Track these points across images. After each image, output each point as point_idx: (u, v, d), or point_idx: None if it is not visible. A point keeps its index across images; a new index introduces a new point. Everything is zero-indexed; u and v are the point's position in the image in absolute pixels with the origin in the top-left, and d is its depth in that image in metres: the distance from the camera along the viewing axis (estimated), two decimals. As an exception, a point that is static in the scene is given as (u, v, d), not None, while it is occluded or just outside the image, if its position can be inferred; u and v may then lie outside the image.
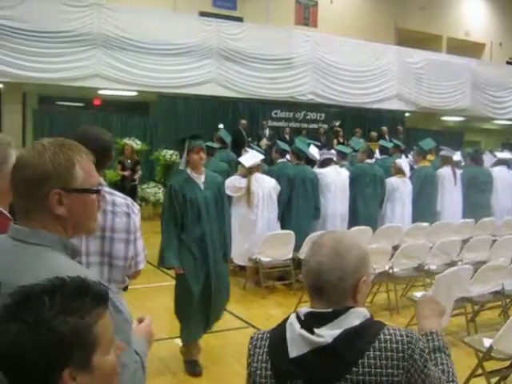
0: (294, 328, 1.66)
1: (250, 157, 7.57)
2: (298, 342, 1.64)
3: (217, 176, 5.18)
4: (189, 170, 4.89)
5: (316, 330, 1.62)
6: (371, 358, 1.59)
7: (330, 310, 1.65)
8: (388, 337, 1.61)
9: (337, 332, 1.61)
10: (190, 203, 4.80)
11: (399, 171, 8.61)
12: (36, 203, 1.57)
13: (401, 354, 1.58)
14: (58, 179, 1.56)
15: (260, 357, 1.73)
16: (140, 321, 1.96)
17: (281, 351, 1.67)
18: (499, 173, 9.74)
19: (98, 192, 1.68)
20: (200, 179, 4.88)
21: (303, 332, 1.63)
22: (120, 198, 2.74)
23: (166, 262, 4.89)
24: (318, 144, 11.74)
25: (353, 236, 1.81)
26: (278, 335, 1.71)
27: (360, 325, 1.63)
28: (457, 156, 10.06)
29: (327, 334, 1.61)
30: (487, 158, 10.56)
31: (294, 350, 1.64)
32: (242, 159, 7.50)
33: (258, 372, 1.72)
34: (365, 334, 1.62)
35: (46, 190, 1.56)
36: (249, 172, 7.39)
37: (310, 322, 1.65)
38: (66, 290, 1.15)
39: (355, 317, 1.64)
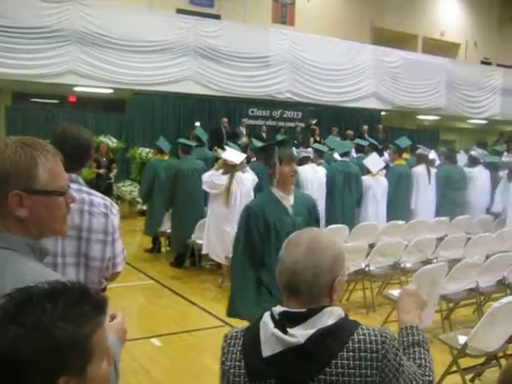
0: (268, 327, 1.65)
1: (235, 154, 7.51)
2: (271, 342, 1.62)
3: (309, 197, 4.12)
4: (274, 188, 3.76)
5: (289, 330, 1.61)
6: (344, 359, 1.57)
7: (303, 309, 1.64)
8: (362, 337, 1.60)
9: (310, 332, 1.59)
10: (274, 232, 3.67)
11: (367, 170, 8.68)
12: None
13: (375, 355, 1.57)
14: (18, 180, 1.50)
15: (234, 355, 1.71)
16: (112, 317, 1.90)
17: (254, 350, 1.65)
18: (476, 172, 9.85)
19: (62, 194, 1.60)
20: (289, 201, 3.77)
21: (276, 331, 1.62)
22: (98, 198, 2.68)
23: (241, 313, 3.77)
24: (295, 142, 11.77)
25: (328, 234, 1.80)
26: (252, 334, 1.69)
27: (334, 324, 1.61)
28: (432, 155, 10.14)
29: (300, 333, 1.59)
30: (461, 157, 10.68)
31: (268, 350, 1.62)
32: (228, 157, 7.40)
33: (232, 371, 1.70)
34: (338, 334, 1.61)
35: (6, 191, 1.49)
36: (233, 168, 7.32)
37: (284, 321, 1.64)
38: (67, 296, 1.13)
39: (329, 316, 1.63)
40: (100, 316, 1.17)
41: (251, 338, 1.69)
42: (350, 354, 1.58)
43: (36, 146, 1.55)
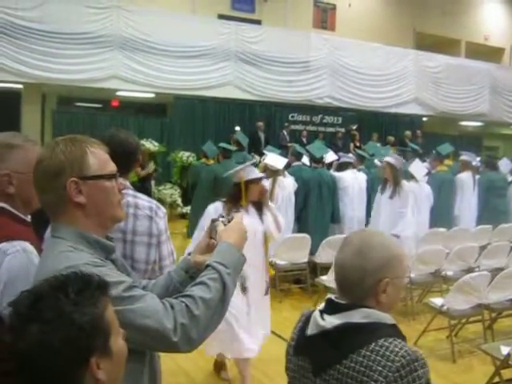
0: (316, 311, 1.79)
1: (277, 159, 7.53)
2: (313, 323, 1.76)
3: None
4: None
5: (325, 316, 1.73)
6: (361, 356, 1.62)
7: (344, 302, 1.73)
8: (387, 344, 1.62)
9: (338, 322, 1.69)
10: None
11: (411, 176, 8.56)
12: (57, 195, 1.63)
13: (389, 363, 1.57)
14: (73, 169, 1.63)
15: (296, 329, 1.89)
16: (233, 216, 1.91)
17: (304, 328, 1.81)
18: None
19: (112, 177, 1.71)
20: None
21: (316, 314, 1.76)
22: (143, 201, 2.72)
23: None
24: (335, 148, 11.73)
25: (385, 237, 1.81)
26: (310, 314, 1.83)
27: (363, 323, 1.67)
28: (476, 161, 9.97)
29: (330, 321, 1.70)
30: (504, 164, 10.47)
31: (310, 329, 1.77)
32: (270, 162, 7.42)
33: (289, 341, 1.90)
34: (365, 333, 1.66)
35: (64, 181, 1.62)
36: (275, 173, 7.34)
37: (327, 307, 1.77)
38: (74, 284, 1.18)
39: (363, 316, 1.68)
40: (106, 295, 1.23)
41: (308, 317, 1.83)
42: (368, 353, 1.61)
43: (83, 139, 1.71)
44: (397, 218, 6.92)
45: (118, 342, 1.24)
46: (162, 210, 2.79)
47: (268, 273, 4.60)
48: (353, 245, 1.75)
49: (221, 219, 1.89)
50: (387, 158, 7.31)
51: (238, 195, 4.40)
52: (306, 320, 1.82)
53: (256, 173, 4.55)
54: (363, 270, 1.70)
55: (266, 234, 4.47)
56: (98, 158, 1.68)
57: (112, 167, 1.72)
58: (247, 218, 4.10)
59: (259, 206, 4.49)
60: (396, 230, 6.62)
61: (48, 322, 1.11)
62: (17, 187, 2.06)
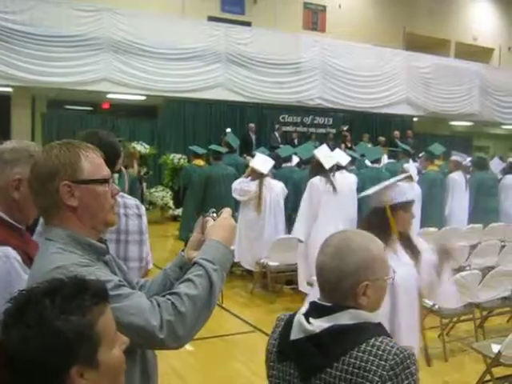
0: (299, 314, 1.74)
1: (263, 161, 7.53)
2: (297, 327, 1.72)
3: None
4: None
5: (311, 320, 1.68)
6: (353, 358, 1.59)
7: (329, 304, 1.69)
8: (378, 343, 1.60)
9: (327, 325, 1.65)
10: None
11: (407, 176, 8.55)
12: (50, 198, 1.65)
13: (383, 362, 1.55)
14: (66, 172, 1.65)
15: (275, 334, 1.83)
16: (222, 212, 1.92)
17: (287, 332, 1.75)
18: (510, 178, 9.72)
19: (106, 182, 1.73)
20: None
21: (301, 318, 1.71)
22: (130, 200, 2.77)
23: None
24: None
25: (364, 238, 1.76)
26: (291, 318, 1.79)
27: (352, 325, 1.64)
28: (466, 161, 10.01)
29: (318, 324, 1.66)
30: (496, 163, 10.52)
31: (294, 334, 1.72)
32: (256, 165, 7.42)
33: (269, 348, 1.83)
34: (354, 335, 1.63)
35: (57, 184, 1.64)
36: (261, 175, 7.34)
37: (311, 311, 1.72)
38: (65, 291, 1.17)
39: (351, 317, 1.65)
40: (101, 303, 1.21)
41: (289, 321, 1.78)
42: (360, 354, 1.59)
43: (77, 144, 1.74)
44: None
45: (111, 354, 1.20)
46: (143, 207, 2.85)
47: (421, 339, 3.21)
48: (332, 246, 1.72)
49: (210, 215, 1.90)
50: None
51: (386, 225, 3.10)
52: (287, 324, 1.78)
53: (408, 193, 3.33)
54: (340, 272, 1.67)
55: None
56: (92, 163, 1.70)
57: (105, 172, 1.74)
58: (396, 262, 2.60)
59: (409, 243, 3.15)
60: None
61: (30, 328, 1.10)
62: (21, 194, 2.09)
